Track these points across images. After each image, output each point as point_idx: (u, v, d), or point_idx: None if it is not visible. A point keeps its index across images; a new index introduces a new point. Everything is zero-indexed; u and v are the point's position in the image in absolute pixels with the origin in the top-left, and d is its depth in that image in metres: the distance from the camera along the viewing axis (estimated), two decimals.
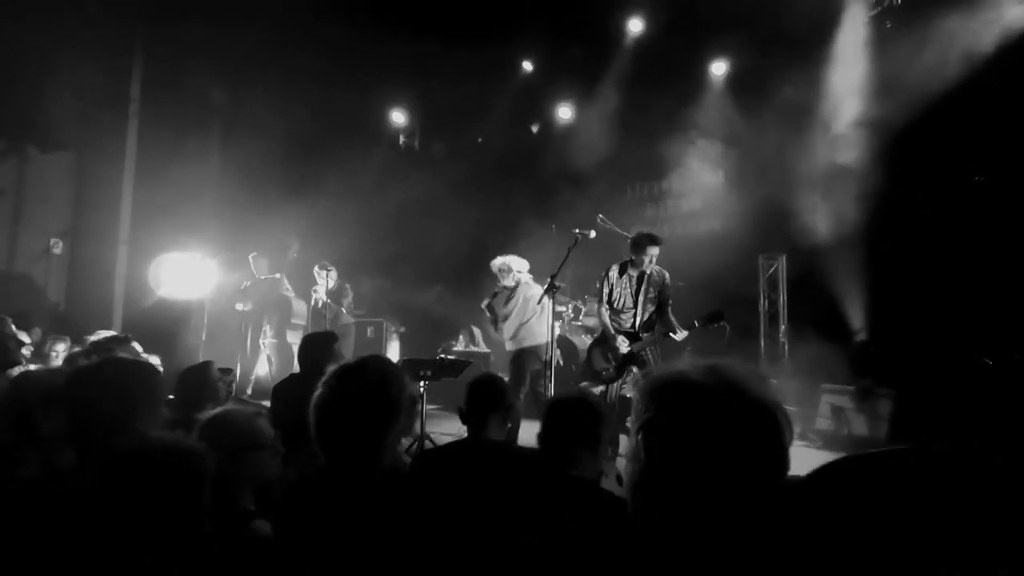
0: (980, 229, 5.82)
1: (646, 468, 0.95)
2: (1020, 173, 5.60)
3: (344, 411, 1.52)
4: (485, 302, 5.97)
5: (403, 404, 1.57)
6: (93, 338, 5.79)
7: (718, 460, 0.91)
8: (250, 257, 8.13)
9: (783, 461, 0.94)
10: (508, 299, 5.78)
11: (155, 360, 3.70)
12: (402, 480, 1.67)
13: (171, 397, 3.11)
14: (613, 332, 5.21)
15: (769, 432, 0.93)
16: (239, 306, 8.03)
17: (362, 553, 1.40)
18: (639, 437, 0.97)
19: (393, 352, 9.34)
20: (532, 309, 5.64)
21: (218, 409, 1.96)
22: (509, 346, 5.74)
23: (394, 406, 1.55)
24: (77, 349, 4.70)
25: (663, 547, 0.94)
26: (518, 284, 5.81)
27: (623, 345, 5.15)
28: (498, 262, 5.86)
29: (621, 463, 4.49)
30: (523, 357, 5.57)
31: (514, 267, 5.83)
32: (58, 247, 9.48)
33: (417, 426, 4.93)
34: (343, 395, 1.53)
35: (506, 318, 5.70)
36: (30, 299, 8.86)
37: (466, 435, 2.54)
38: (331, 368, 1.63)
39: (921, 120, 5.88)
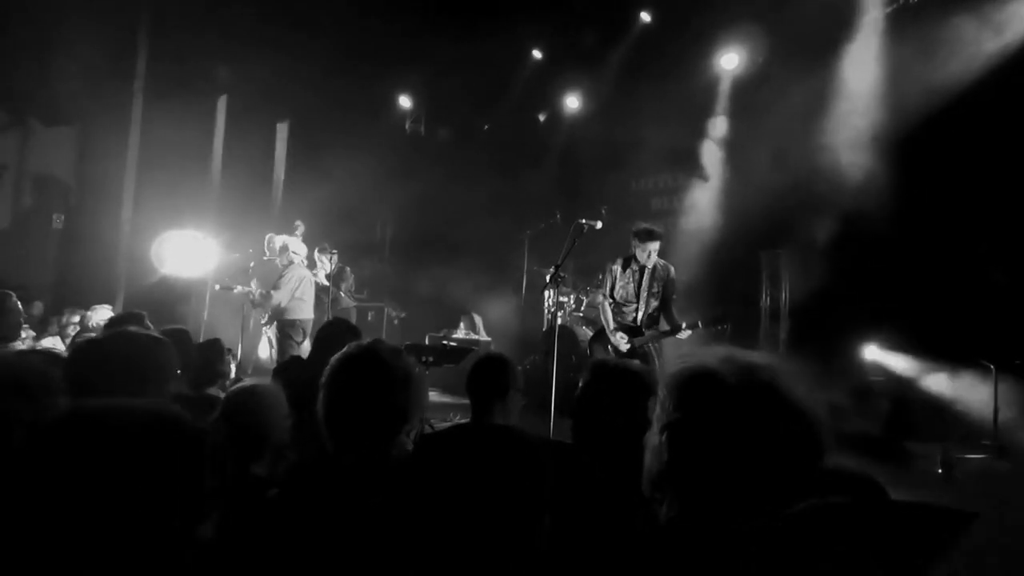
0: (988, 230, 5.79)
1: (668, 468, 0.93)
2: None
3: (359, 402, 1.48)
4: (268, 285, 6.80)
5: (419, 398, 1.54)
6: (89, 312, 5.79)
7: (747, 466, 0.87)
8: (266, 237, 8.06)
9: (815, 468, 0.90)
10: (282, 275, 6.63)
11: None
12: (405, 470, 1.64)
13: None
14: (613, 327, 5.15)
15: (803, 440, 0.88)
16: (237, 289, 7.95)
17: (359, 543, 1.37)
18: (663, 437, 0.93)
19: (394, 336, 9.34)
20: (302, 287, 6.61)
21: (248, 382, 1.97)
22: (278, 316, 6.65)
23: (409, 400, 1.53)
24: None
25: (684, 545, 0.91)
26: (291, 263, 6.72)
27: (621, 342, 5.07)
28: (279, 241, 6.92)
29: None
30: (289, 328, 6.53)
31: (291, 247, 6.85)
32: (60, 222, 9.43)
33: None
34: (358, 385, 1.49)
35: (278, 291, 6.58)
36: (31, 274, 8.84)
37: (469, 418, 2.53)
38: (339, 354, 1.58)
39: (931, 120, 5.83)
